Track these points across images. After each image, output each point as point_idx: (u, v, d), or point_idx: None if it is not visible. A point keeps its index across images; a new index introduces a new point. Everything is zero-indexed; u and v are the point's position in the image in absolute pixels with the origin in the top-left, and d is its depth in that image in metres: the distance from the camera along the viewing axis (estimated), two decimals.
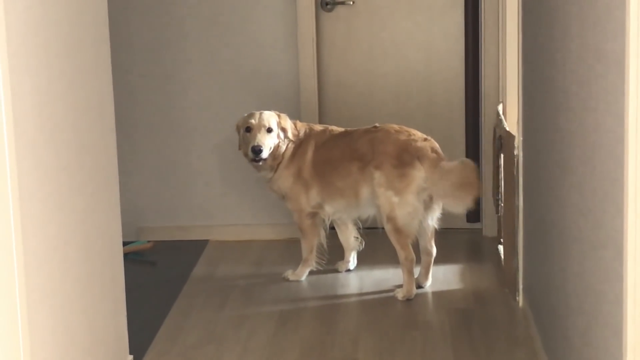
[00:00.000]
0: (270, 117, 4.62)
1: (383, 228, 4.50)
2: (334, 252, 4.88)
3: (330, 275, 4.81)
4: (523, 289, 4.22)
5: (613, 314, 2.38)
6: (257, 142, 4.56)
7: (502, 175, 4.61)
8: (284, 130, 4.64)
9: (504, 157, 4.51)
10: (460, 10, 5.39)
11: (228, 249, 5.34)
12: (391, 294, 4.51)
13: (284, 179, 4.68)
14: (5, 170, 2.31)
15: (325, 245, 4.80)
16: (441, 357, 3.79)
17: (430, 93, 5.47)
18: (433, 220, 4.53)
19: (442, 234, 4.78)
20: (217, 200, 5.53)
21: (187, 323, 4.20)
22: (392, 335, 4.02)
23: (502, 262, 4.66)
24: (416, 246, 4.54)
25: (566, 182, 3.03)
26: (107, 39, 3.33)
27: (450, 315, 4.24)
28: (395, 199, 4.39)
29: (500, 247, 4.80)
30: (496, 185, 4.77)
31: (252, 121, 4.60)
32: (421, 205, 4.41)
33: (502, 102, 4.81)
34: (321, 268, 4.80)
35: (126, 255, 4.49)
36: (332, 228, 4.90)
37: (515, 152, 4.19)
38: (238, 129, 4.70)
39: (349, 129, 4.70)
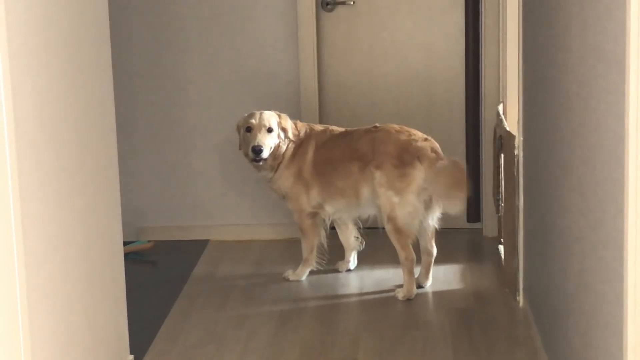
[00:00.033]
0: (270, 117, 4.62)
1: (383, 228, 4.50)
2: (334, 252, 4.88)
3: (330, 275, 4.81)
4: (523, 289, 4.22)
5: (613, 314, 2.38)
6: (258, 142, 4.55)
7: (502, 175, 4.61)
8: (284, 130, 4.64)
9: (504, 157, 4.51)
10: (461, 10, 5.39)
11: (228, 249, 5.34)
12: (391, 294, 4.51)
13: (285, 179, 4.68)
14: (6, 170, 2.31)
15: (325, 245, 4.79)
16: (441, 357, 3.78)
17: (430, 93, 5.47)
18: (433, 220, 4.53)
19: (443, 234, 4.77)
20: (217, 200, 5.53)
21: (188, 323, 4.20)
22: (392, 335, 4.02)
23: (503, 262, 4.66)
24: (416, 246, 4.54)
25: (566, 182, 3.03)
26: (108, 39, 3.33)
27: (451, 315, 4.24)
28: (395, 199, 4.39)
29: (501, 247, 4.80)
30: (496, 185, 4.77)
31: (253, 121, 4.60)
32: (421, 205, 4.41)
33: (503, 102, 4.81)
34: (321, 268, 4.80)
35: (127, 255, 4.48)
36: (333, 228, 4.89)
37: (516, 152, 4.19)
38: (238, 128, 4.70)
39: (349, 129, 4.70)
